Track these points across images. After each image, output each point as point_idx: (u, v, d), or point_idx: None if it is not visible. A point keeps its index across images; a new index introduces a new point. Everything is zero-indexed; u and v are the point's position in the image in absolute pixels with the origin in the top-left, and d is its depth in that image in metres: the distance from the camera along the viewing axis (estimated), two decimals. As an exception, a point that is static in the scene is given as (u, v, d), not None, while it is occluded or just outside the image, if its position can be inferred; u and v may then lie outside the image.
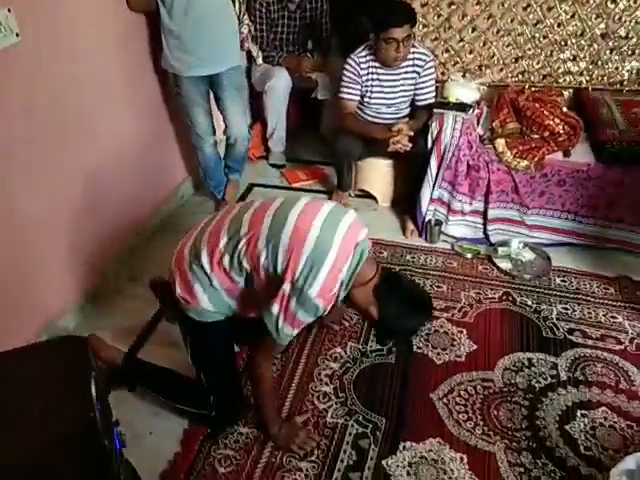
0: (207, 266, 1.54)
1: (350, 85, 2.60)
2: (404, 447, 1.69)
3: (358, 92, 2.62)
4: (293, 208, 1.53)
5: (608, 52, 2.72)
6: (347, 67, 2.58)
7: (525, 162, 2.42)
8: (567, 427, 1.75)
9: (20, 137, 1.79)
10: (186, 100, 2.53)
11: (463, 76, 2.89)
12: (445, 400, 1.84)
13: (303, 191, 3.08)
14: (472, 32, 2.83)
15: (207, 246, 1.56)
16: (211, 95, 2.62)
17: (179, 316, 1.69)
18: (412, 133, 2.51)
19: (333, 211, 1.55)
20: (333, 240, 1.45)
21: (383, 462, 1.65)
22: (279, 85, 3.04)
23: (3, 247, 1.78)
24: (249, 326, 1.62)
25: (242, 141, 2.75)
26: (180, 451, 1.69)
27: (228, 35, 2.48)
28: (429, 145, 2.56)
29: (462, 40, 2.86)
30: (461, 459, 1.65)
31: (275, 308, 1.45)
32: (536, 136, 2.49)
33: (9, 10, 1.66)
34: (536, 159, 2.42)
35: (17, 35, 1.71)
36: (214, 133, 2.73)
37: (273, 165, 3.32)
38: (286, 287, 1.44)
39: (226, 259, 1.53)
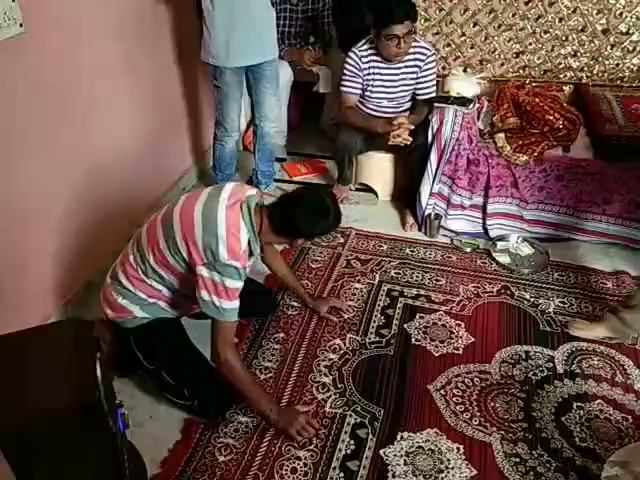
0: (127, 283, 1.71)
1: (351, 79, 2.61)
2: (402, 437, 1.71)
3: (359, 86, 2.62)
4: (175, 206, 1.67)
5: (609, 48, 2.73)
6: (348, 61, 2.59)
7: (525, 157, 2.44)
8: (563, 419, 1.77)
9: (22, 125, 1.80)
10: (224, 93, 2.55)
11: (464, 70, 2.90)
12: (442, 391, 1.86)
13: (304, 184, 3.09)
14: (473, 27, 2.84)
15: (120, 266, 1.74)
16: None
17: (118, 336, 1.78)
18: (412, 127, 2.52)
19: (211, 192, 1.68)
20: (217, 209, 1.58)
21: (381, 451, 1.67)
22: (281, 78, 3.04)
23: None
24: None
25: (273, 132, 2.82)
26: (180, 439, 1.71)
27: (269, 25, 2.52)
28: (429, 139, 2.57)
29: (463, 34, 2.87)
30: (458, 449, 1.67)
31: (204, 293, 1.57)
32: (536, 131, 2.50)
33: (13, 0, 1.66)
34: (535, 154, 2.44)
35: (21, 25, 1.71)
36: (239, 130, 2.77)
37: (275, 159, 3.33)
38: (200, 270, 1.55)
39: (140, 271, 1.69)
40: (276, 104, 2.76)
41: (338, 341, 2.06)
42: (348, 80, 2.62)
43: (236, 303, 1.60)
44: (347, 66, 2.60)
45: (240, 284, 1.60)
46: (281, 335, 2.09)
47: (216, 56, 2.43)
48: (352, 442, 1.70)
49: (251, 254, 1.66)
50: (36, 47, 1.79)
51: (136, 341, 1.77)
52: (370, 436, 1.71)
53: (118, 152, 2.36)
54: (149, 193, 2.67)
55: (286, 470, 1.62)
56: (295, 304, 2.22)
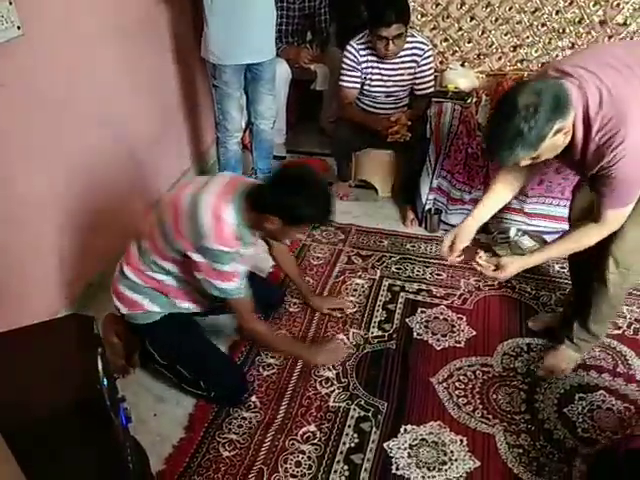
0: (135, 277, 1.72)
1: (350, 73, 2.61)
2: (405, 430, 1.72)
3: (358, 80, 2.62)
4: (166, 197, 1.69)
5: (607, 39, 2.73)
6: (346, 54, 2.59)
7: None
8: (565, 410, 1.78)
9: (20, 127, 1.81)
10: (223, 92, 2.54)
11: (462, 65, 2.90)
12: (445, 384, 1.87)
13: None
14: (470, 21, 2.83)
15: (126, 260, 1.76)
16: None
17: (133, 332, 1.82)
18: (410, 122, 2.52)
19: (203, 178, 1.69)
20: (203, 195, 1.57)
21: (384, 444, 1.68)
22: (278, 76, 3.05)
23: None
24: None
25: (269, 129, 2.81)
26: (184, 435, 1.72)
27: (270, 24, 2.52)
28: (428, 134, 2.57)
29: (461, 29, 2.87)
30: (461, 441, 1.68)
31: (202, 277, 1.60)
32: (534, 124, 2.50)
33: (10, 2, 1.67)
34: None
35: (19, 28, 1.72)
36: (241, 129, 2.75)
37: (274, 157, 3.34)
38: (193, 255, 1.57)
39: (144, 265, 1.71)
40: (272, 103, 2.76)
41: (341, 336, 2.06)
42: (346, 74, 2.62)
43: (236, 283, 1.61)
44: (345, 60, 2.60)
45: (235, 266, 1.59)
46: (284, 331, 2.09)
47: (215, 53, 2.42)
48: (356, 435, 1.71)
49: (242, 242, 1.62)
50: (34, 49, 1.80)
51: (149, 337, 1.79)
52: (374, 429, 1.72)
53: (118, 152, 2.37)
54: (149, 193, 2.67)
55: (290, 464, 1.63)
56: (297, 300, 2.23)
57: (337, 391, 1.85)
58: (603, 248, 1.62)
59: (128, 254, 1.76)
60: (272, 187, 1.56)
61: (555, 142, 1.37)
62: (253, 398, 1.82)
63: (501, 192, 1.70)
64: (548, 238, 2.53)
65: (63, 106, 1.99)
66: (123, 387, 1.76)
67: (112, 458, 1.04)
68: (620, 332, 2.06)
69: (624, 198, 1.44)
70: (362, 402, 1.81)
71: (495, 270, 1.65)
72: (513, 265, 1.62)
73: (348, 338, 2.05)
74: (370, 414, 1.77)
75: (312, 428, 1.73)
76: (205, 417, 1.77)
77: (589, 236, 1.55)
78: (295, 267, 2.14)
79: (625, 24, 2.67)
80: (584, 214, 1.68)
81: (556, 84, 1.34)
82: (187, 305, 1.81)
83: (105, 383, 1.01)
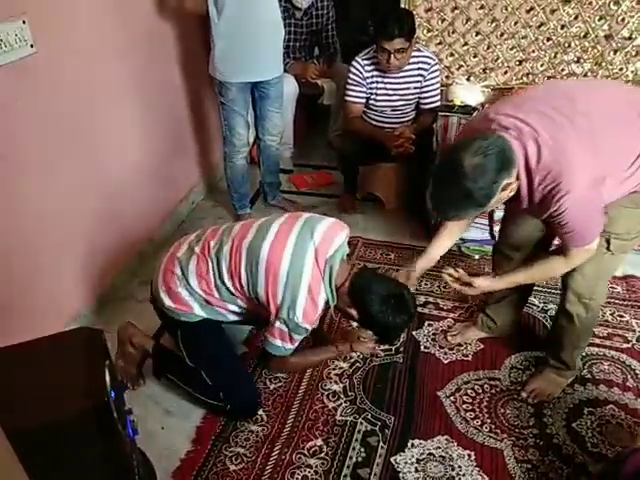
0: (197, 285, 1.71)
1: (355, 88, 2.64)
2: (412, 444, 1.71)
3: (363, 95, 2.65)
4: (265, 239, 1.65)
5: (612, 53, 2.74)
6: (352, 70, 2.63)
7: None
8: (574, 425, 1.76)
9: (35, 145, 1.85)
10: (229, 109, 2.55)
11: (468, 79, 2.92)
12: (452, 398, 1.86)
13: (310, 195, 3.13)
14: (476, 36, 2.86)
15: (195, 261, 1.72)
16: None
17: (168, 325, 1.85)
18: (414, 136, 2.54)
19: (302, 231, 1.66)
20: (303, 269, 1.60)
21: (392, 459, 1.67)
22: (286, 91, 3.08)
23: (15, 248, 1.82)
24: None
25: (276, 145, 2.84)
26: (192, 449, 1.72)
27: (277, 42, 2.53)
28: (435, 147, 2.59)
29: (466, 44, 2.89)
30: (469, 456, 1.67)
31: (272, 338, 1.69)
32: (541, 137, 2.51)
33: (24, 22, 1.71)
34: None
35: (32, 46, 1.76)
36: (248, 145, 2.77)
37: (281, 170, 3.36)
38: (273, 320, 1.65)
39: (213, 282, 1.70)
40: (280, 120, 2.77)
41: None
42: (352, 89, 2.66)
43: (296, 344, 1.73)
44: (351, 75, 2.63)
45: (304, 335, 1.72)
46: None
47: (221, 71, 2.45)
48: (363, 450, 1.70)
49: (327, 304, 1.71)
50: (47, 67, 1.84)
51: (183, 336, 1.79)
52: (381, 444, 1.72)
53: (127, 168, 2.40)
54: (158, 209, 2.70)
55: (297, 478, 1.62)
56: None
57: (344, 405, 1.85)
58: (563, 282, 1.67)
59: (199, 263, 1.71)
60: (376, 298, 1.62)
61: (502, 197, 1.39)
62: (260, 411, 1.82)
63: (446, 241, 1.81)
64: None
65: (75, 122, 2.02)
66: (132, 400, 1.78)
67: (119, 470, 1.04)
68: (629, 346, 2.04)
69: (584, 239, 1.45)
70: (369, 416, 1.81)
71: (463, 285, 1.68)
72: (484, 283, 1.67)
73: (355, 352, 2.05)
74: (377, 428, 1.76)
75: (319, 442, 1.72)
76: (212, 430, 1.77)
77: (554, 269, 1.60)
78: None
79: (630, 38, 2.68)
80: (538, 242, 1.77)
81: (499, 140, 1.34)
82: (233, 318, 1.83)
83: (112, 395, 1.02)
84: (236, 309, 1.78)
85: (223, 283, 1.69)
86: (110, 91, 2.22)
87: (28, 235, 1.86)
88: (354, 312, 1.68)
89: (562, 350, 1.82)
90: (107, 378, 1.01)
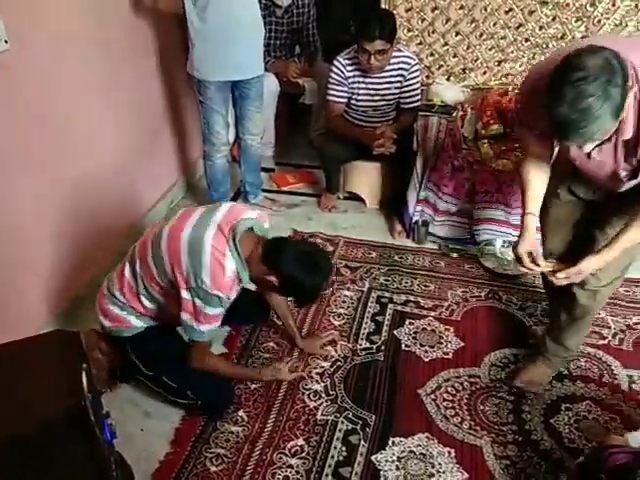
0: (121, 296, 1.74)
1: (336, 87, 2.64)
2: (393, 442, 1.72)
3: (344, 94, 2.66)
4: (167, 225, 1.66)
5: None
6: (333, 69, 2.63)
7: (508, 162, 2.47)
8: (552, 421, 1.79)
9: (5, 140, 1.80)
10: (208, 108, 2.53)
11: (447, 79, 2.95)
12: (433, 396, 1.87)
13: (292, 194, 3.12)
14: (456, 36, 2.89)
15: (117, 278, 1.75)
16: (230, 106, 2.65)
17: (116, 345, 1.82)
18: (395, 136, 2.55)
19: (203, 213, 1.66)
20: (204, 234, 1.57)
21: (373, 457, 1.67)
22: (267, 90, 3.07)
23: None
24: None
25: (257, 144, 2.81)
26: (171, 451, 1.70)
27: (257, 41, 2.51)
28: (415, 147, 2.60)
29: (446, 44, 2.92)
30: (449, 453, 1.68)
31: (185, 315, 1.62)
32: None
33: (-3, 17, 1.68)
34: (519, 159, 2.47)
35: (6, 42, 1.72)
36: (228, 144, 2.75)
37: (262, 169, 3.35)
38: (183, 293, 1.59)
39: (134, 286, 1.72)
40: (260, 120, 2.75)
41: (329, 348, 2.06)
42: (333, 89, 2.66)
43: (214, 325, 1.65)
44: (332, 75, 2.64)
45: (220, 310, 1.63)
46: (271, 344, 2.09)
47: (200, 69, 2.42)
48: (344, 449, 1.70)
49: (240, 281, 1.66)
50: (20, 63, 1.80)
51: (133, 349, 1.79)
52: (362, 442, 1.72)
53: (104, 166, 2.36)
54: (136, 207, 2.67)
55: (278, 478, 1.62)
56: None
57: (325, 404, 1.85)
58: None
59: (120, 275, 1.75)
60: (290, 257, 1.58)
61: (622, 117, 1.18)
62: (240, 412, 1.81)
63: (541, 176, 1.55)
64: (534, 249, 2.56)
65: (48, 119, 1.98)
66: (111, 403, 1.75)
67: (96, 474, 1.03)
68: (606, 342, 2.08)
69: None
70: (350, 415, 1.81)
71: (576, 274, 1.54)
72: (590, 263, 1.51)
73: (336, 350, 2.05)
74: (358, 427, 1.77)
75: (300, 442, 1.72)
76: (192, 431, 1.75)
77: None
78: (286, 308, 2.03)
79: (606, 40, 2.73)
80: (572, 247, 1.73)
81: (611, 51, 1.15)
82: (165, 324, 1.83)
83: (90, 399, 1.01)
84: (157, 312, 1.78)
85: (139, 277, 1.69)
86: (85, 88, 2.18)
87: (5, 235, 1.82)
88: (273, 278, 1.61)
89: (566, 334, 1.80)
90: (84, 381, 1.00)
